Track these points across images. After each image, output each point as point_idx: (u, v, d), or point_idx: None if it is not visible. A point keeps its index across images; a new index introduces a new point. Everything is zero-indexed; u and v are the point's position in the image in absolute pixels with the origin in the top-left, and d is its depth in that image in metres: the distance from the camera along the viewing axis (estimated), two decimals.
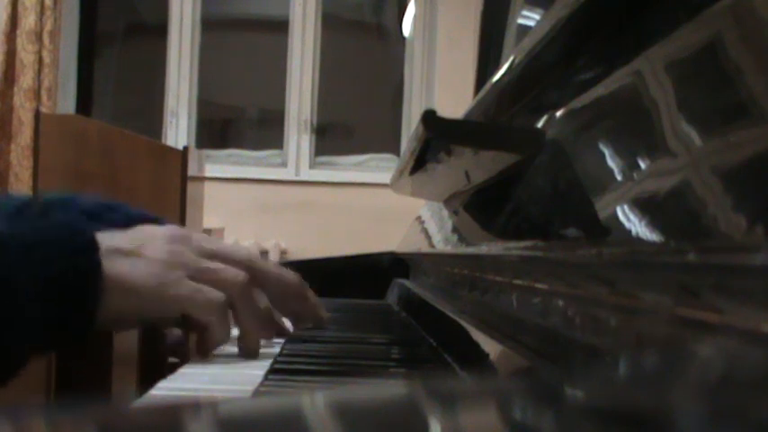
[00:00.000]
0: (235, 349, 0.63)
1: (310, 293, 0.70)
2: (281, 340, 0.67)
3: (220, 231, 3.29)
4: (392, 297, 1.12)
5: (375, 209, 3.28)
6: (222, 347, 0.64)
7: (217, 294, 0.59)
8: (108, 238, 0.56)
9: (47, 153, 2.44)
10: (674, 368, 0.26)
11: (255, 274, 0.63)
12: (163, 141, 3.50)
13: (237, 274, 0.61)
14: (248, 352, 0.61)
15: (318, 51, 3.64)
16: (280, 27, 3.66)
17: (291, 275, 0.68)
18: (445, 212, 0.86)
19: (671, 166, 0.29)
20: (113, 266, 0.56)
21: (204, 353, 0.60)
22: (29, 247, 0.53)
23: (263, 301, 0.63)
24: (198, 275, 0.59)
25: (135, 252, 0.57)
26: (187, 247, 0.60)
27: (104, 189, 2.47)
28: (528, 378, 0.38)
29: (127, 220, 0.67)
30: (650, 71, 0.34)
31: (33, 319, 0.53)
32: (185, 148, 2.62)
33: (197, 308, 0.59)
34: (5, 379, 0.53)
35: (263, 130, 4.00)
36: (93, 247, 0.55)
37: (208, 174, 3.05)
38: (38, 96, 3.27)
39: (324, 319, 0.72)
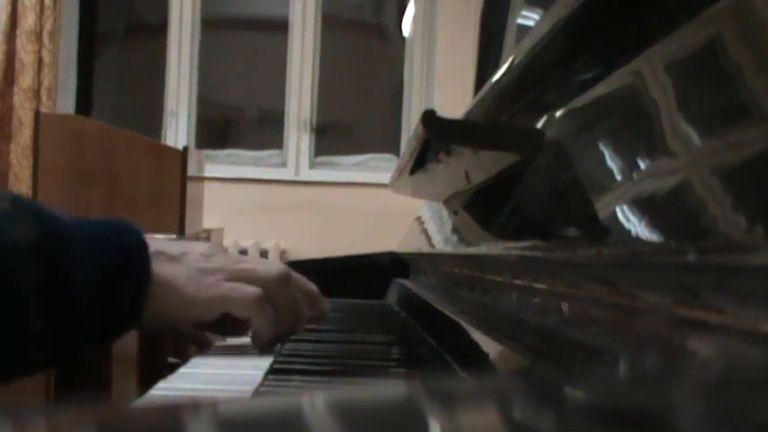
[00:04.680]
0: (234, 349, 0.63)
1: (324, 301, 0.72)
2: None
3: (220, 231, 3.29)
4: (392, 297, 1.12)
5: (375, 209, 3.28)
6: (222, 347, 0.64)
7: (252, 289, 0.61)
8: (155, 243, 0.60)
9: (47, 153, 2.43)
10: (674, 368, 0.26)
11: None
12: (163, 141, 3.50)
13: (273, 269, 0.63)
14: (267, 341, 0.62)
15: (318, 51, 3.64)
16: (280, 27, 3.66)
17: (325, 303, 0.70)
18: (445, 212, 0.86)
19: (671, 166, 0.29)
20: (160, 268, 0.59)
21: (262, 347, 0.62)
22: (86, 240, 0.56)
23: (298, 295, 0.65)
24: (235, 276, 0.61)
25: (178, 258, 0.60)
26: (225, 256, 0.63)
27: (104, 189, 2.47)
28: (528, 378, 0.38)
29: None
30: (650, 71, 0.34)
31: (87, 306, 0.55)
32: (185, 148, 2.62)
33: (235, 304, 0.61)
34: (57, 363, 0.56)
35: (263, 130, 4.00)
36: (144, 246, 0.58)
37: (208, 174, 3.05)
38: (38, 96, 3.27)
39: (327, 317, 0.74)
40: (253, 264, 0.63)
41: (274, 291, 0.62)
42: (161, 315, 0.59)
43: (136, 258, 0.57)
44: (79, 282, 0.54)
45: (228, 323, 0.63)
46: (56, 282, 0.53)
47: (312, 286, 0.70)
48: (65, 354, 0.55)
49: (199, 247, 0.62)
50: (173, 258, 0.60)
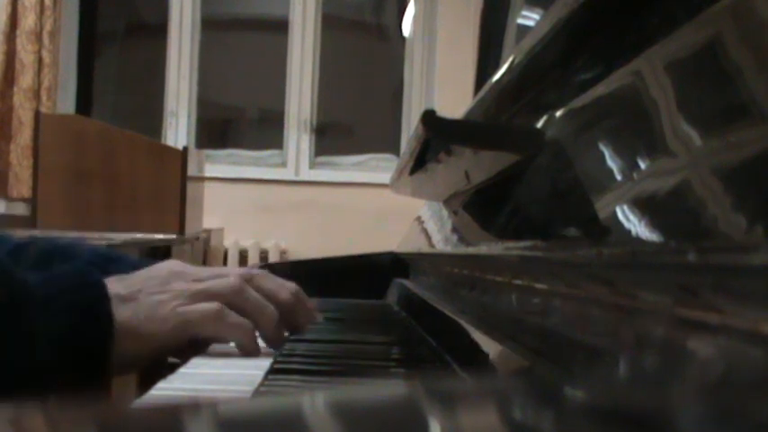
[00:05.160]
0: (234, 349, 0.64)
1: (303, 307, 0.69)
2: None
3: (220, 231, 3.29)
4: (392, 297, 1.12)
5: (375, 209, 3.28)
6: (222, 347, 0.64)
7: (209, 306, 0.61)
8: (111, 285, 0.59)
9: (47, 153, 2.44)
10: (674, 368, 0.26)
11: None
12: (163, 141, 3.50)
13: (227, 283, 0.63)
14: (245, 352, 0.62)
15: (318, 51, 3.64)
16: (280, 27, 3.66)
17: (285, 293, 0.67)
18: (445, 212, 0.86)
19: (671, 166, 0.29)
20: (118, 314, 0.58)
21: (248, 353, 0.62)
22: (47, 299, 0.56)
23: (263, 298, 0.64)
24: (192, 299, 0.61)
25: (134, 296, 0.60)
26: (181, 279, 0.63)
27: (104, 189, 2.47)
28: (528, 378, 0.38)
29: (131, 271, 0.69)
30: (650, 71, 0.34)
31: (51, 368, 0.55)
32: (185, 148, 2.62)
33: (196, 327, 0.61)
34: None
35: (263, 130, 4.00)
36: (106, 298, 0.58)
37: (208, 174, 3.05)
38: (38, 96, 3.27)
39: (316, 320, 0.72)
40: (208, 282, 0.63)
41: (233, 302, 0.62)
42: (128, 358, 0.59)
43: (99, 315, 0.57)
44: (41, 343, 0.54)
45: (203, 342, 0.63)
46: (17, 344, 0.53)
47: (284, 295, 0.67)
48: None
49: (156, 276, 0.62)
50: (127, 299, 0.60)
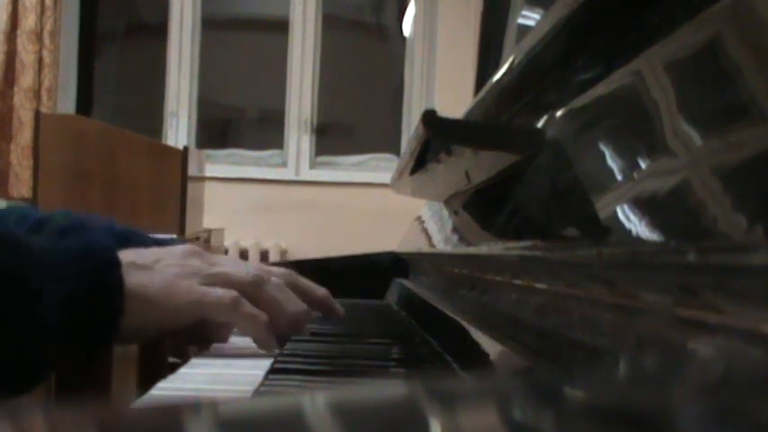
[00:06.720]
0: (234, 349, 0.64)
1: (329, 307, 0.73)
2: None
3: (221, 231, 3.29)
4: (392, 297, 1.12)
5: (375, 209, 3.28)
6: (222, 346, 0.64)
7: (225, 292, 0.60)
8: (125, 255, 0.58)
9: (47, 153, 2.44)
10: (674, 368, 0.26)
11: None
12: (163, 141, 3.50)
13: (247, 272, 0.62)
14: (260, 344, 0.62)
15: (318, 51, 3.65)
16: (280, 27, 3.66)
17: (321, 292, 0.71)
18: (445, 212, 0.86)
19: (671, 166, 0.29)
20: (131, 280, 0.57)
21: (261, 345, 0.62)
22: (56, 264, 0.55)
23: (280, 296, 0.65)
24: (209, 280, 0.60)
25: (150, 266, 0.59)
26: (200, 259, 0.62)
27: (104, 189, 2.47)
28: (528, 378, 0.38)
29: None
30: (650, 71, 0.34)
31: (59, 333, 0.54)
32: (185, 148, 2.62)
33: (209, 308, 0.60)
34: (29, 389, 0.54)
35: (263, 130, 4.00)
36: (116, 264, 0.57)
37: (208, 174, 3.05)
38: (38, 96, 3.27)
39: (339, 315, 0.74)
40: (227, 267, 0.62)
41: (249, 293, 0.61)
42: (138, 328, 0.58)
43: (108, 280, 0.56)
44: (50, 310, 0.53)
45: (210, 329, 0.63)
46: (25, 310, 0.52)
47: (313, 290, 0.70)
48: (35, 379, 0.54)
49: (173, 252, 0.61)
50: (144, 267, 0.59)
